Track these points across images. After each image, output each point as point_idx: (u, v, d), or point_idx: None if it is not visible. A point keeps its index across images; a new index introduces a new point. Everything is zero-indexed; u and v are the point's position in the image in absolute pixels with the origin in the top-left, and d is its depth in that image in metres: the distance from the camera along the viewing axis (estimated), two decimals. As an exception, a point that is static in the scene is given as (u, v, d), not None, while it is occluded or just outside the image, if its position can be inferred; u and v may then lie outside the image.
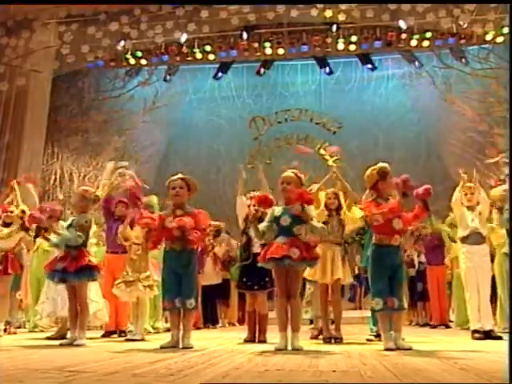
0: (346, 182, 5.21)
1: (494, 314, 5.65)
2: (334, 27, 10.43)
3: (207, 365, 2.92)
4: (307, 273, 4.88)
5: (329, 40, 10.77)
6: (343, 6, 9.92)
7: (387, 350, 3.79)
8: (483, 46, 11.02)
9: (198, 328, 7.63)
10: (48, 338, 5.51)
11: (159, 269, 5.29)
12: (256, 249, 5.00)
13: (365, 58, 12.42)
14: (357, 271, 6.03)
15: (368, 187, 4.19)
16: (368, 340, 4.99)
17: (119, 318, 5.97)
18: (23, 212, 6.03)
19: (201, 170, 13.07)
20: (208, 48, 11.04)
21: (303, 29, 10.85)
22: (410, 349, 3.86)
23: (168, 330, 5.37)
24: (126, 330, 5.82)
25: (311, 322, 6.17)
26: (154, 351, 3.96)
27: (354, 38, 10.69)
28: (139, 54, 11.18)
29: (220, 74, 13.22)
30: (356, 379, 2.37)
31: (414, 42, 10.73)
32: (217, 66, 12.91)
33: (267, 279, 4.95)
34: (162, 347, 4.18)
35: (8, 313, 6.35)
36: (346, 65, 13.42)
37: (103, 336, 5.91)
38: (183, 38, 10.47)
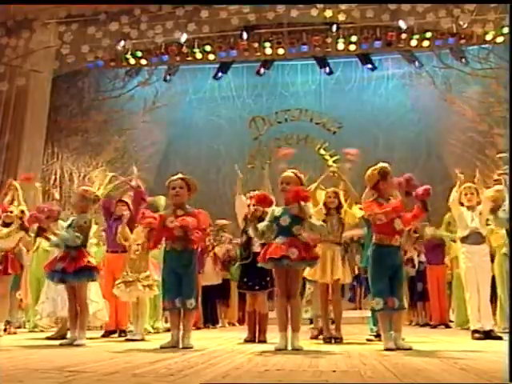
0: (348, 182, 5.20)
1: (494, 314, 5.65)
2: (334, 27, 10.44)
3: (207, 365, 2.92)
4: (307, 272, 4.88)
5: (329, 40, 10.78)
6: (343, 6, 9.92)
7: (387, 350, 3.79)
8: (483, 46, 11.03)
9: (198, 328, 7.63)
10: (48, 338, 5.51)
11: (159, 268, 5.29)
12: (256, 248, 5.00)
13: (365, 58, 12.43)
14: (357, 271, 6.04)
15: (369, 187, 4.19)
16: (368, 340, 4.99)
17: (119, 318, 5.97)
18: (22, 212, 6.04)
19: (201, 169, 13.07)
20: (208, 48, 11.05)
21: (303, 29, 10.86)
22: (410, 349, 3.86)
23: (168, 330, 5.37)
24: (126, 330, 5.81)
25: (311, 321, 6.17)
26: (154, 351, 3.96)
27: (354, 38, 10.70)
28: (139, 54, 11.18)
29: (220, 74, 13.23)
30: (356, 379, 2.37)
31: (414, 42, 10.73)
32: (217, 66, 12.92)
33: (268, 279, 4.95)
34: (161, 347, 4.18)
35: (8, 313, 6.35)
36: (346, 65, 13.42)
37: (103, 336, 5.91)
38: (183, 38, 10.47)
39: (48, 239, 4.79)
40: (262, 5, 10.10)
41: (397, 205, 3.97)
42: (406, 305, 4.16)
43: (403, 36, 10.58)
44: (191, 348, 4.11)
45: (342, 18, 9.99)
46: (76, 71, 11.54)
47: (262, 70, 12.83)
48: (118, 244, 5.60)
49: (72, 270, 4.54)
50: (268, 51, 11.22)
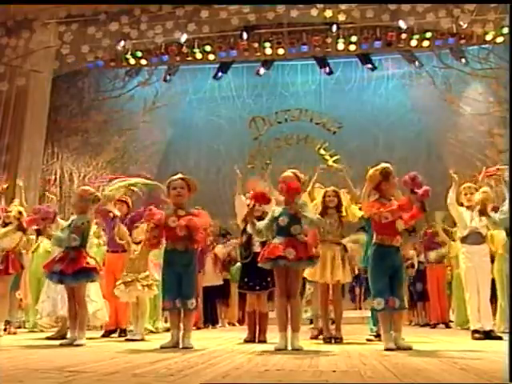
0: (344, 182, 5.20)
1: (494, 315, 5.65)
2: (334, 27, 10.44)
3: (207, 365, 2.92)
4: (307, 273, 4.88)
5: (329, 40, 10.78)
6: (343, 6, 9.92)
7: (387, 350, 3.79)
8: (483, 46, 11.03)
9: (198, 328, 7.64)
10: (48, 338, 5.51)
11: (160, 266, 5.29)
12: (256, 248, 5.00)
13: (365, 58, 12.42)
14: (357, 271, 6.04)
15: (370, 187, 4.18)
16: (368, 340, 4.99)
17: (119, 317, 5.97)
18: (20, 213, 6.06)
19: (201, 169, 13.07)
20: (208, 48, 11.05)
21: (303, 29, 10.86)
22: (410, 348, 3.86)
23: (168, 329, 5.37)
24: (126, 330, 5.81)
25: (311, 321, 6.17)
26: (154, 351, 3.96)
27: (354, 38, 10.70)
28: (139, 54, 11.19)
29: (220, 74, 13.22)
30: (356, 379, 2.37)
31: (414, 42, 10.74)
32: (217, 66, 12.92)
33: (268, 279, 4.94)
34: (162, 347, 4.18)
35: (8, 312, 6.35)
36: (346, 65, 13.41)
37: (103, 336, 5.91)
38: (183, 38, 10.47)
39: (50, 238, 4.83)
40: (262, 5, 10.10)
41: (403, 203, 3.97)
42: (406, 304, 4.16)
43: (403, 36, 10.59)
44: (191, 348, 4.10)
45: (342, 18, 10.00)
46: (76, 71, 11.54)
47: (262, 70, 12.83)
48: (118, 244, 5.60)
49: (70, 271, 4.54)
50: (268, 51, 11.22)
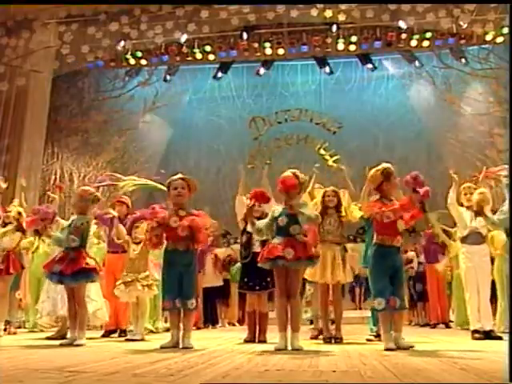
0: (344, 182, 5.20)
1: (494, 315, 5.65)
2: (334, 27, 10.44)
3: (207, 365, 2.92)
4: (307, 273, 4.88)
5: (329, 40, 10.78)
6: (343, 6, 9.92)
7: (387, 350, 3.79)
8: (483, 46, 11.03)
9: (198, 328, 7.64)
10: (48, 338, 5.51)
11: (160, 266, 5.29)
12: (256, 248, 5.00)
13: (365, 58, 12.43)
14: (357, 271, 6.04)
15: (371, 188, 4.18)
16: (368, 340, 4.99)
17: (120, 318, 5.97)
18: (19, 214, 6.05)
19: (201, 169, 13.08)
20: (208, 48, 11.05)
21: (303, 29, 10.86)
22: (411, 347, 3.87)
23: (168, 329, 5.37)
24: (126, 330, 5.81)
25: (311, 322, 6.17)
26: (154, 351, 3.96)
27: (354, 38, 10.70)
28: (139, 54, 11.18)
29: (220, 74, 13.23)
30: (356, 379, 2.37)
31: (414, 42, 10.74)
32: (217, 66, 12.91)
33: (268, 279, 4.94)
34: (162, 347, 4.18)
35: (7, 312, 6.35)
36: (346, 65, 13.42)
37: (103, 336, 5.91)
38: (183, 38, 10.47)
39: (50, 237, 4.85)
40: (262, 5, 10.10)
41: (404, 202, 3.98)
42: (407, 304, 4.17)
43: (403, 36, 10.59)
44: (191, 348, 4.10)
45: (342, 18, 9.99)
46: (76, 71, 11.54)
47: (262, 70, 12.83)
48: (117, 244, 5.60)
49: (70, 272, 4.54)
50: (268, 51, 11.22)
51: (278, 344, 3.99)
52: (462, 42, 10.62)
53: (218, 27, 10.43)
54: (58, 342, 4.76)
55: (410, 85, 13.40)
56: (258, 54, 11.37)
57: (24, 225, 5.90)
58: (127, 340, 5.23)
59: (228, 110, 14.41)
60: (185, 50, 10.96)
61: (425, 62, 12.32)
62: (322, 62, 12.58)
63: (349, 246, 5.24)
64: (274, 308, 4.32)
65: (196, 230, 4.27)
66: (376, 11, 9.88)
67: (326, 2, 9.92)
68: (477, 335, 4.91)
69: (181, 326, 4.33)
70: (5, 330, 6.27)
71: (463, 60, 11.58)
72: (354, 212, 5.07)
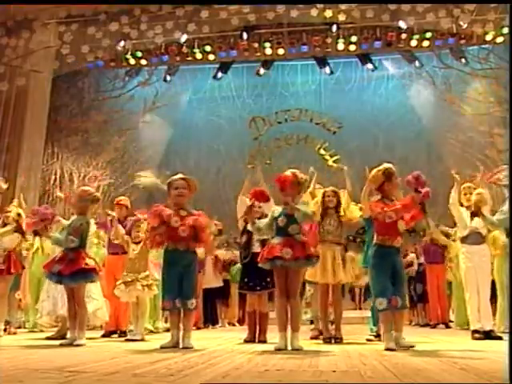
0: (344, 182, 5.20)
1: (494, 315, 5.65)
2: (334, 27, 10.44)
3: (207, 365, 2.92)
4: (307, 273, 4.88)
5: (329, 40, 10.78)
6: (343, 6, 9.92)
7: (388, 350, 3.79)
8: (483, 46, 11.04)
9: (198, 328, 7.63)
10: (48, 338, 5.51)
11: (159, 266, 5.29)
12: (256, 248, 5.00)
13: (365, 58, 12.43)
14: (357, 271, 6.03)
15: (373, 188, 4.17)
16: (368, 340, 4.99)
17: (120, 319, 5.97)
18: (19, 215, 6.05)
19: (201, 169, 13.07)
20: (208, 48, 11.05)
21: (303, 29, 10.86)
22: (412, 346, 3.87)
23: (168, 330, 5.37)
24: (126, 331, 5.81)
25: (311, 322, 6.16)
26: (154, 351, 3.96)
27: (354, 38, 10.70)
28: (139, 54, 11.19)
29: (220, 74, 13.23)
30: (356, 379, 2.37)
31: (414, 42, 10.74)
32: (217, 66, 12.92)
33: (268, 279, 4.94)
34: (162, 347, 4.18)
35: (7, 313, 6.35)
36: (346, 65, 13.42)
37: (103, 336, 5.91)
38: (183, 38, 10.47)
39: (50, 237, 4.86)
40: (262, 5, 10.10)
41: (406, 202, 3.98)
42: (408, 303, 4.17)
43: (403, 36, 10.59)
44: (191, 348, 4.10)
45: (342, 18, 10.00)
46: (76, 71, 11.55)
47: (262, 70, 12.83)
48: (118, 245, 5.60)
49: (68, 272, 4.54)
50: (268, 51, 11.23)
51: (278, 344, 3.99)
52: (462, 41, 10.63)
53: (218, 27, 10.43)
54: (58, 342, 4.75)
55: (410, 85, 13.40)
56: (258, 53, 11.37)
57: (23, 226, 5.91)
58: (127, 340, 5.23)
59: (228, 109, 14.41)
60: (185, 50, 10.96)
61: (425, 62, 12.32)
62: (322, 62, 12.58)
63: (349, 254, 5.24)
64: (274, 308, 4.32)
65: (199, 229, 4.28)
66: (376, 11, 9.89)
67: (326, 2, 9.93)
68: (477, 335, 4.91)
69: (181, 326, 4.33)
70: (5, 330, 6.27)
71: (463, 60, 11.58)
72: (354, 212, 5.06)
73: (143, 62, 11.57)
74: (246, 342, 5.02)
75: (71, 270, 4.54)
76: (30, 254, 7.04)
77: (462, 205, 5.28)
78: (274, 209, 4.22)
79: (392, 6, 9.78)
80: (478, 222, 5.15)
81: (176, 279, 4.27)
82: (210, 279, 8.64)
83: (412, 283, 8.78)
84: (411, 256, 8.92)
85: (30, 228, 5.49)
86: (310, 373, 2.57)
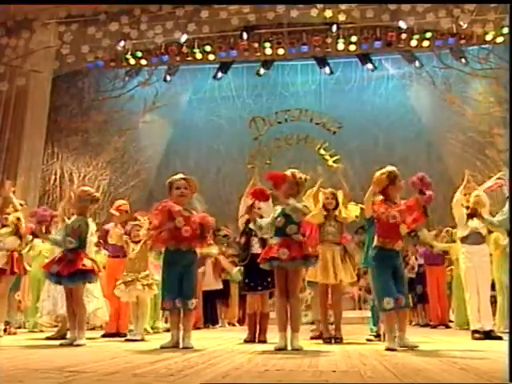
0: (346, 182, 5.19)
1: (494, 315, 5.65)
2: (334, 27, 10.43)
3: (207, 365, 2.92)
4: (308, 273, 4.88)
5: (329, 40, 10.77)
6: (343, 6, 9.91)
7: (389, 349, 3.79)
8: (483, 46, 11.02)
9: (198, 328, 7.63)
10: (48, 338, 5.51)
11: (159, 267, 5.29)
12: (255, 249, 5.00)
13: (365, 58, 12.42)
14: (356, 271, 6.03)
15: (376, 191, 4.16)
16: (368, 340, 4.99)
17: (120, 321, 5.97)
18: (18, 219, 6.04)
19: (201, 169, 13.07)
20: (208, 48, 11.04)
21: (303, 29, 10.85)
22: (416, 347, 3.87)
23: (168, 330, 5.37)
24: (126, 334, 5.81)
25: (312, 322, 6.16)
26: (154, 351, 3.96)
27: (354, 38, 10.69)
28: (139, 54, 11.18)
29: (220, 74, 13.22)
30: (356, 379, 2.37)
31: (414, 42, 10.73)
32: (217, 66, 12.91)
33: (269, 279, 4.94)
34: (162, 347, 4.18)
35: (6, 313, 6.35)
36: (346, 65, 13.42)
37: (103, 336, 5.91)
38: (183, 38, 10.47)
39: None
40: (262, 5, 10.09)
41: (411, 203, 3.98)
42: (411, 302, 4.19)
43: (403, 36, 10.58)
44: (191, 348, 4.11)
45: (342, 18, 9.99)
46: (76, 71, 11.53)
47: (262, 70, 12.83)
48: (118, 249, 5.61)
49: (66, 273, 4.55)
50: (268, 51, 11.22)
51: (278, 344, 3.99)
52: (462, 41, 10.62)
53: (218, 27, 10.42)
54: (58, 342, 4.76)
55: (410, 85, 13.39)
56: (258, 53, 11.36)
57: (22, 230, 5.93)
58: (127, 340, 5.23)
59: (228, 109, 14.41)
60: (185, 50, 10.95)
61: (425, 62, 12.32)
62: (322, 62, 12.58)
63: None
64: (274, 308, 4.32)
65: (207, 227, 4.29)
66: (376, 11, 9.88)
67: (326, 2, 9.92)
68: (477, 335, 4.92)
69: (181, 326, 4.33)
70: (5, 330, 6.27)
71: (463, 60, 11.57)
72: (352, 212, 5.06)
73: (143, 62, 11.56)
74: (245, 342, 5.02)
75: (69, 271, 4.55)
76: (31, 254, 7.03)
77: (462, 205, 5.27)
78: (275, 209, 4.22)
79: (392, 6, 9.77)
80: (478, 222, 5.15)
81: (176, 279, 4.27)
82: (210, 282, 8.65)
83: (412, 284, 8.77)
84: (412, 260, 8.90)
85: (28, 231, 5.53)
86: (310, 373, 2.57)
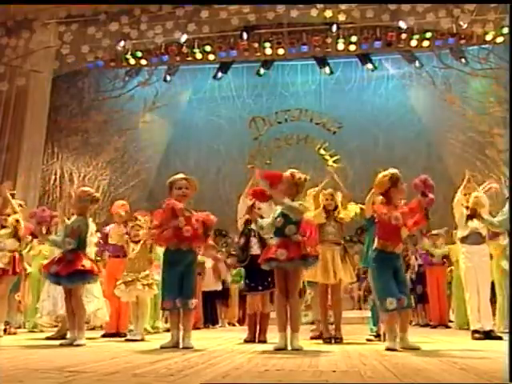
0: (343, 182, 5.18)
1: (494, 315, 5.65)
2: (334, 27, 10.44)
3: (207, 365, 2.92)
4: (308, 273, 4.88)
5: (329, 40, 10.77)
6: (343, 6, 9.91)
7: (389, 349, 3.78)
8: (483, 46, 11.02)
9: (198, 328, 7.63)
10: (48, 338, 5.51)
11: (159, 267, 5.29)
12: (254, 250, 5.00)
13: (365, 58, 12.43)
14: (356, 271, 6.04)
15: (378, 193, 4.16)
16: (368, 340, 4.99)
17: (120, 321, 5.96)
18: (17, 221, 6.03)
19: (201, 169, 13.08)
20: (208, 48, 11.05)
21: (303, 29, 10.85)
22: (418, 349, 3.86)
23: (168, 330, 5.37)
24: (126, 333, 5.81)
25: (312, 322, 6.16)
26: (154, 351, 3.96)
27: (354, 38, 10.69)
28: (139, 54, 11.18)
29: (220, 74, 13.23)
30: (356, 379, 2.37)
31: (414, 42, 10.73)
32: (217, 66, 12.92)
33: (269, 279, 4.94)
34: (162, 347, 4.18)
35: (6, 314, 6.34)
36: (346, 65, 13.43)
37: (103, 336, 5.91)
38: (183, 38, 10.47)
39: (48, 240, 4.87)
40: (262, 5, 10.09)
41: (413, 206, 3.97)
42: (412, 302, 4.19)
43: (403, 36, 10.58)
44: (191, 348, 4.10)
45: (342, 18, 9.99)
46: (76, 71, 11.54)
47: (262, 70, 12.83)
48: (119, 249, 5.61)
49: (65, 273, 4.55)
50: (268, 51, 11.22)
51: (278, 344, 3.98)
52: (462, 41, 10.62)
53: (218, 27, 10.43)
54: (58, 342, 4.76)
55: (410, 85, 13.40)
56: (258, 53, 11.36)
57: (20, 232, 5.93)
58: (127, 340, 5.23)
59: (228, 110, 14.42)
60: (185, 50, 10.95)
61: (425, 62, 12.32)
62: (322, 62, 12.58)
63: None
64: (274, 308, 4.32)
65: (210, 225, 4.30)
66: (376, 11, 9.88)
67: (326, 2, 9.92)
68: (477, 335, 4.92)
69: (181, 326, 4.33)
70: (5, 330, 6.26)
71: (463, 60, 11.58)
72: (351, 212, 5.06)
73: (143, 62, 11.56)
74: (245, 342, 5.02)
75: (68, 271, 4.55)
76: (31, 255, 7.03)
77: (461, 205, 5.28)
78: (276, 209, 4.22)
79: (392, 6, 9.77)
80: (478, 223, 5.15)
81: (176, 279, 4.27)
82: (210, 283, 8.66)
83: (412, 284, 8.77)
84: (412, 261, 8.90)
85: (27, 232, 5.52)
86: (310, 373, 2.57)
